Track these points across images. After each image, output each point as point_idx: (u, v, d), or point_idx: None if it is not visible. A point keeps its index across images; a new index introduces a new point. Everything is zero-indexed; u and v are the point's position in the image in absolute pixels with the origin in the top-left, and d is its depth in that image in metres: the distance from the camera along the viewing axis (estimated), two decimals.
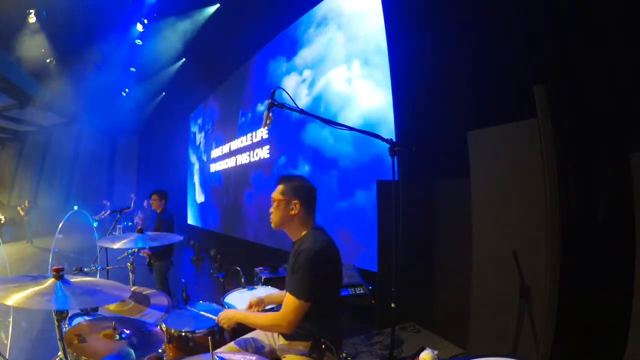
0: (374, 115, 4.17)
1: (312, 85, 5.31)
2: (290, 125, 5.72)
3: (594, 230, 2.25)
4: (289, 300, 1.65)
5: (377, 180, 3.76)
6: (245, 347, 1.88)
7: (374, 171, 4.09)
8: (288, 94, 2.28)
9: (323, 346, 1.67)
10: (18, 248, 10.35)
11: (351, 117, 4.50)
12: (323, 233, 1.78)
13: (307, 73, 5.45)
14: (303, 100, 5.32)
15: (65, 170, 13.71)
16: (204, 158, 10.53)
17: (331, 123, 2.17)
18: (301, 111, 2.13)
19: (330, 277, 1.72)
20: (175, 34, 8.15)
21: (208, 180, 10.33)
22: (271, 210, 1.83)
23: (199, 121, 11.11)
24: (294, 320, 1.63)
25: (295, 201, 1.77)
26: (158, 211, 4.44)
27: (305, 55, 5.52)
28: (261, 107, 6.89)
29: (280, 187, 1.83)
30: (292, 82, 5.78)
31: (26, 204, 11.80)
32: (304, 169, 5.36)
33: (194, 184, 11.88)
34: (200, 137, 11.09)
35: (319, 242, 1.68)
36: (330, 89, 4.92)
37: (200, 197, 11.02)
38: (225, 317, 1.86)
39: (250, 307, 2.09)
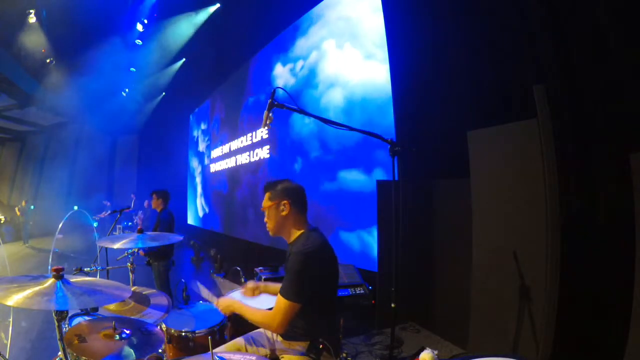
0: (373, 97, 4.20)
1: (312, 79, 5.32)
2: (289, 120, 5.73)
3: (594, 230, 2.26)
4: (279, 301, 1.66)
5: (377, 180, 3.77)
6: (245, 346, 1.89)
7: (370, 151, 4.14)
8: (288, 93, 2.28)
9: (320, 346, 1.68)
10: (17, 248, 10.35)
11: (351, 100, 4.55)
12: (317, 235, 1.77)
13: (307, 67, 5.45)
14: (304, 95, 5.33)
15: (65, 170, 13.70)
16: (207, 161, 10.48)
17: (331, 123, 2.16)
18: (301, 111, 2.13)
19: (323, 278, 1.72)
20: (175, 34, 8.15)
21: (209, 181, 10.32)
22: (265, 219, 1.84)
23: (203, 126, 10.99)
24: (283, 321, 1.64)
25: (284, 201, 1.77)
26: (158, 211, 4.44)
27: (305, 51, 5.52)
28: (252, 99, 6.91)
29: (267, 195, 1.83)
30: (292, 79, 5.78)
31: (23, 204, 11.79)
32: (303, 160, 5.37)
33: (195, 189, 11.84)
34: (203, 142, 11.01)
35: (310, 244, 1.68)
36: (332, 81, 4.93)
37: (202, 206, 10.89)
38: (223, 304, 1.88)
39: (245, 290, 2.13)
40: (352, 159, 4.47)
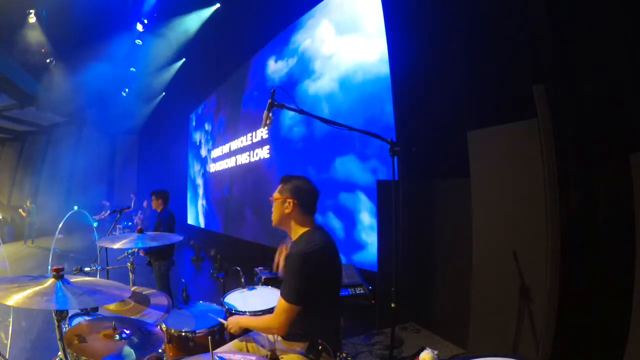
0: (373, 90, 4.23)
1: (311, 74, 5.32)
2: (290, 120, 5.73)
3: (594, 230, 2.25)
4: (279, 303, 1.66)
5: (377, 180, 3.77)
6: (246, 347, 1.89)
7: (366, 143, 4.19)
8: (288, 93, 2.28)
9: (320, 347, 1.67)
10: (17, 248, 10.35)
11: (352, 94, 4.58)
12: (321, 234, 1.77)
13: (307, 63, 5.45)
14: (304, 91, 5.35)
15: (65, 170, 13.69)
16: (207, 162, 10.47)
17: (331, 123, 2.17)
18: (301, 111, 2.13)
19: (323, 279, 1.71)
20: (175, 34, 8.15)
21: (209, 181, 10.31)
22: (272, 208, 1.85)
23: (205, 126, 10.95)
24: (284, 322, 1.64)
25: (290, 200, 1.77)
26: (158, 211, 4.44)
27: (305, 47, 5.52)
28: (251, 98, 6.89)
29: (279, 187, 1.84)
30: (292, 76, 5.78)
31: (28, 204, 11.79)
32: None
33: (195, 189, 11.83)
34: (202, 141, 10.99)
35: (311, 245, 1.67)
36: (329, 75, 4.94)
37: (202, 206, 10.86)
38: (232, 323, 1.90)
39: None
40: (347, 149, 4.53)
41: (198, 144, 11.31)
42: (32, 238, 11.18)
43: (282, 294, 1.66)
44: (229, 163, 8.42)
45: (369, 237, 4.11)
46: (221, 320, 2.07)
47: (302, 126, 5.49)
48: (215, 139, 9.59)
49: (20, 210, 11.70)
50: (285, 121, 5.89)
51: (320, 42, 5.19)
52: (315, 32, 5.31)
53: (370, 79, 4.23)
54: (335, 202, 4.67)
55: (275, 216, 1.83)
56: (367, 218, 4.17)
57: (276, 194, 1.83)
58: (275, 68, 6.38)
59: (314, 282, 1.65)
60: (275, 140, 6.33)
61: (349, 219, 4.46)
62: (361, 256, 4.15)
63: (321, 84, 5.11)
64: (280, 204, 1.79)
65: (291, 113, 2.19)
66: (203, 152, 10.84)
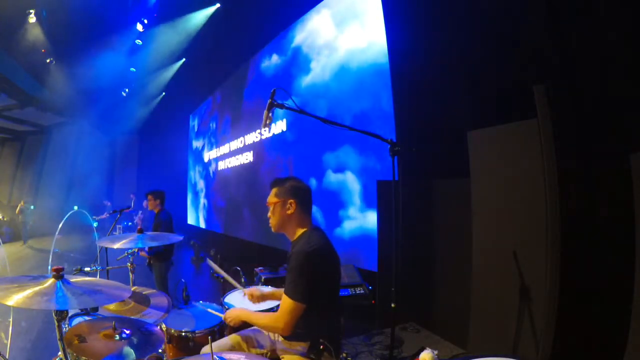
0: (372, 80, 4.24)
1: (310, 71, 5.33)
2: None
3: (594, 230, 2.25)
4: (284, 302, 1.65)
5: (377, 180, 3.77)
6: (246, 345, 1.89)
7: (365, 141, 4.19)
8: (288, 93, 2.28)
9: (321, 347, 1.67)
10: (16, 248, 10.35)
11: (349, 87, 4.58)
12: (319, 234, 1.77)
13: (306, 61, 5.46)
14: (303, 88, 5.36)
15: (65, 170, 13.69)
16: (206, 161, 10.45)
17: (331, 123, 2.16)
18: (301, 111, 2.13)
19: (325, 278, 1.71)
20: (175, 34, 8.15)
21: (209, 181, 10.31)
22: (269, 215, 1.84)
23: (202, 126, 10.90)
24: (290, 321, 1.63)
25: (291, 200, 1.77)
26: (155, 211, 4.44)
27: (305, 44, 5.52)
28: (251, 98, 6.89)
29: (274, 191, 1.83)
30: (292, 74, 5.79)
31: (22, 203, 11.78)
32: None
33: (195, 189, 11.83)
34: (201, 141, 10.99)
35: (312, 244, 1.68)
36: (331, 72, 4.95)
37: (203, 206, 10.86)
38: (231, 316, 1.89)
39: (250, 295, 2.12)
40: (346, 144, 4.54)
41: (201, 147, 11.30)
42: (26, 238, 11.16)
43: (287, 293, 1.65)
44: (229, 163, 8.43)
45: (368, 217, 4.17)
46: (220, 315, 2.07)
47: (300, 123, 5.49)
48: (218, 140, 9.59)
49: (17, 211, 11.70)
50: (281, 119, 5.89)
51: (319, 36, 5.18)
52: (314, 26, 5.29)
53: (369, 71, 4.23)
54: (330, 194, 4.68)
55: (275, 221, 1.81)
56: (364, 209, 4.19)
57: (272, 198, 1.81)
58: (275, 65, 6.38)
59: (317, 280, 1.65)
60: (274, 139, 6.33)
61: (344, 209, 4.48)
62: (361, 256, 4.15)
63: (320, 78, 5.10)
64: (280, 206, 1.79)
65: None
66: (204, 153, 10.84)
